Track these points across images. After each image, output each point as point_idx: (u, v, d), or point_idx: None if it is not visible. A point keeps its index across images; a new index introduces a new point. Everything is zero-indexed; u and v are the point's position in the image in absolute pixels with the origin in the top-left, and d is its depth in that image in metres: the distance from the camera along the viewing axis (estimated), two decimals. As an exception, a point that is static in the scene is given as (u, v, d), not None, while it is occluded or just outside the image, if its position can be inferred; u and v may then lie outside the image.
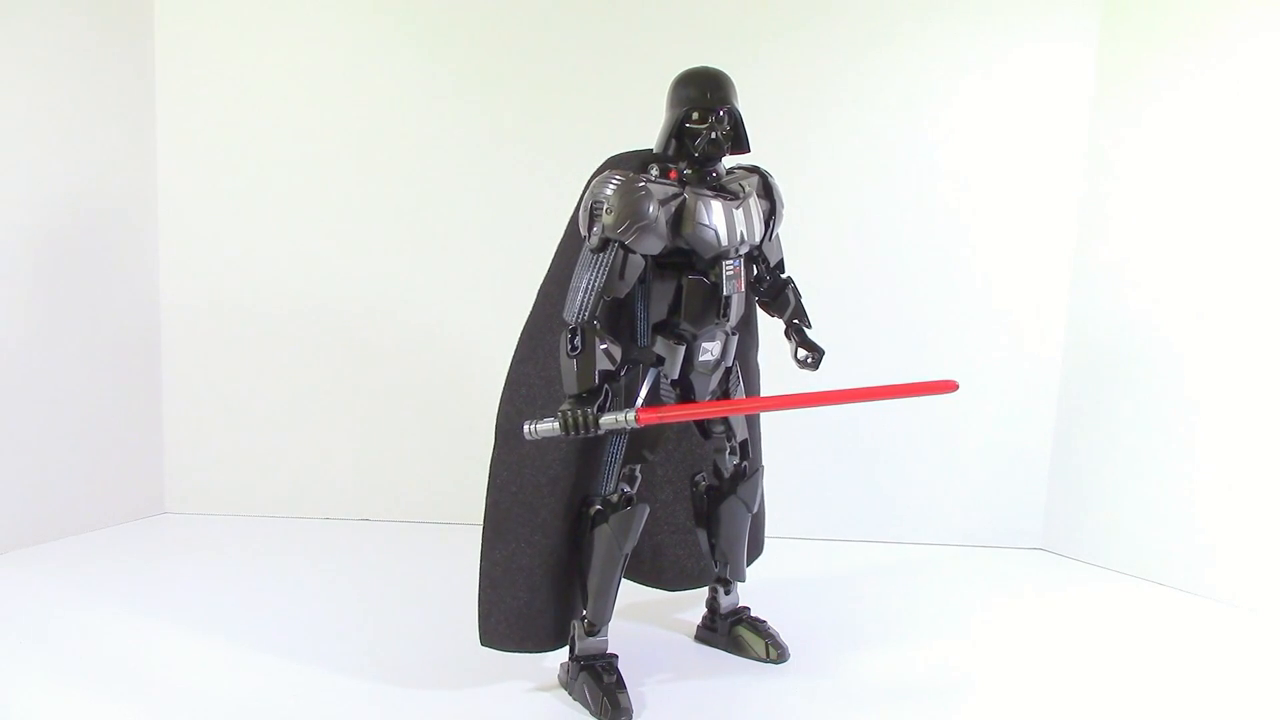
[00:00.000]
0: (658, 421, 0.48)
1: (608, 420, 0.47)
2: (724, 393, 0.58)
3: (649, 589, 0.70)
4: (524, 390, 0.56)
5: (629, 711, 0.53)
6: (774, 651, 0.61)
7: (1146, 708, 0.57)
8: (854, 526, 0.98)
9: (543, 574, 0.56)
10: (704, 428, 0.59)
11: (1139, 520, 0.89)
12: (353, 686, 0.57)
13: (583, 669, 0.55)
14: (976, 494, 0.99)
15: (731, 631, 0.64)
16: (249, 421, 1.04)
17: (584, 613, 0.56)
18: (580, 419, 0.46)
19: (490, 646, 0.56)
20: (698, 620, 0.68)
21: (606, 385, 0.49)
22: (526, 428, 0.47)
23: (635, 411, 0.46)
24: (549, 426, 0.47)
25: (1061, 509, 0.97)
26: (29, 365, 0.87)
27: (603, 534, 0.54)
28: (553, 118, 0.98)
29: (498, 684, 0.58)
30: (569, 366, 0.48)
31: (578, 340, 0.48)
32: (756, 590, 0.67)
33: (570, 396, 0.48)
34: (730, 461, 0.60)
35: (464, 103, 1.02)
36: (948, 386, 0.46)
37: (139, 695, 0.55)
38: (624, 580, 0.66)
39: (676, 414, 0.50)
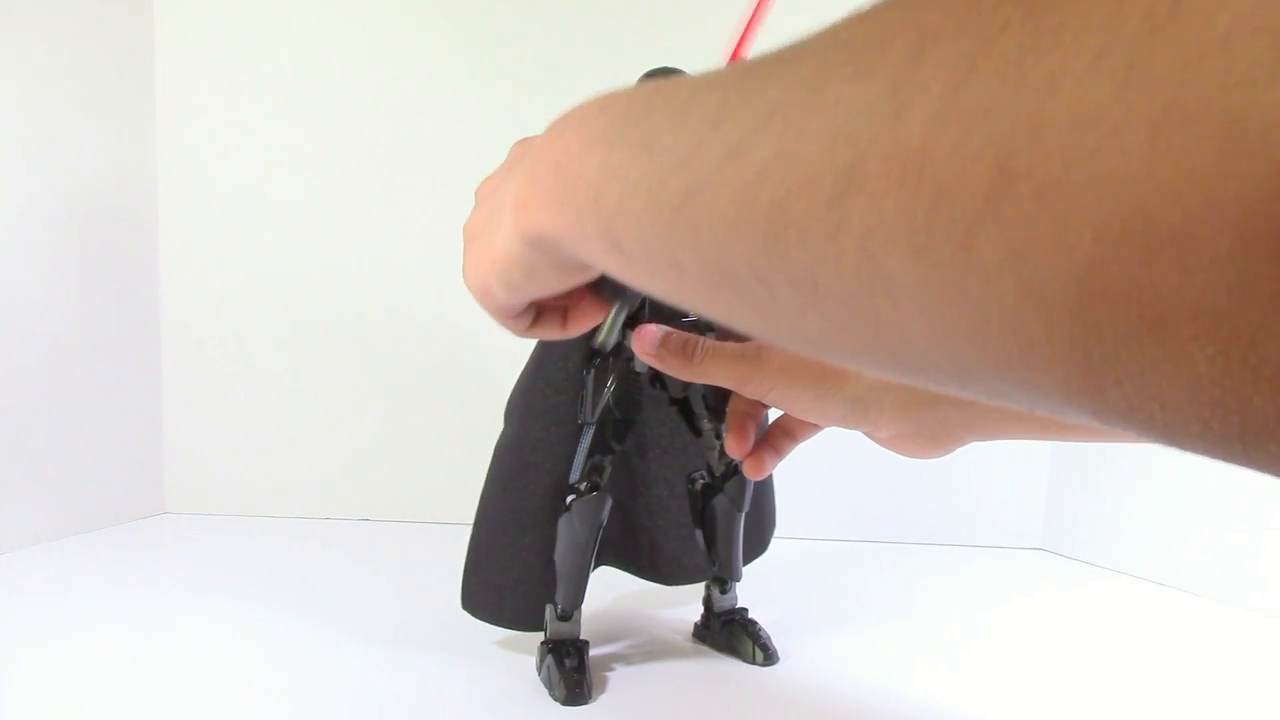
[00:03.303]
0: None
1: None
2: (702, 390, 0.59)
3: (649, 584, 0.70)
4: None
5: (581, 697, 0.54)
6: (761, 654, 0.61)
7: (1147, 708, 0.57)
8: (853, 526, 0.98)
9: (513, 554, 0.58)
10: (695, 425, 0.59)
11: (1139, 520, 0.88)
12: (352, 686, 0.57)
13: (550, 651, 0.56)
14: (976, 494, 0.98)
15: (724, 631, 0.63)
16: (249, 421, 1.04)
17: (557, 598, 0.57)
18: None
19: (468, 612, 0.59)
20: (697, 618, 0.68)
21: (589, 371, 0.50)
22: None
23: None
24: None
25: (1061, 509, 0.97)
26: (28, 365, 0.88)
27: (568, 521, 0.55)
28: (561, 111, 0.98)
29: (499, 684, 0.58)
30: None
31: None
32: (755, 590, 0.67)
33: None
34: (720, 459, 0.60)
35: (469, 97, 1.02)
36: None
37: (139, 695, 0.55)
38: (627, 575, 0.66)
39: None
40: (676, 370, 0.44)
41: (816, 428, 0.49)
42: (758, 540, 0.68)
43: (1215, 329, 0.11)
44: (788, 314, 0.18)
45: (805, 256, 0.16)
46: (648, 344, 0.44)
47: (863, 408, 0.42)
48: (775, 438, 0.51)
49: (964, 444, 0.44)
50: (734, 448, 0.50)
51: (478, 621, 0.60)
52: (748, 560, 0.67)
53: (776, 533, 0.71)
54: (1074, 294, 0.12)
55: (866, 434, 0.45)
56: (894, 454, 0.47)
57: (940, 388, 0.17)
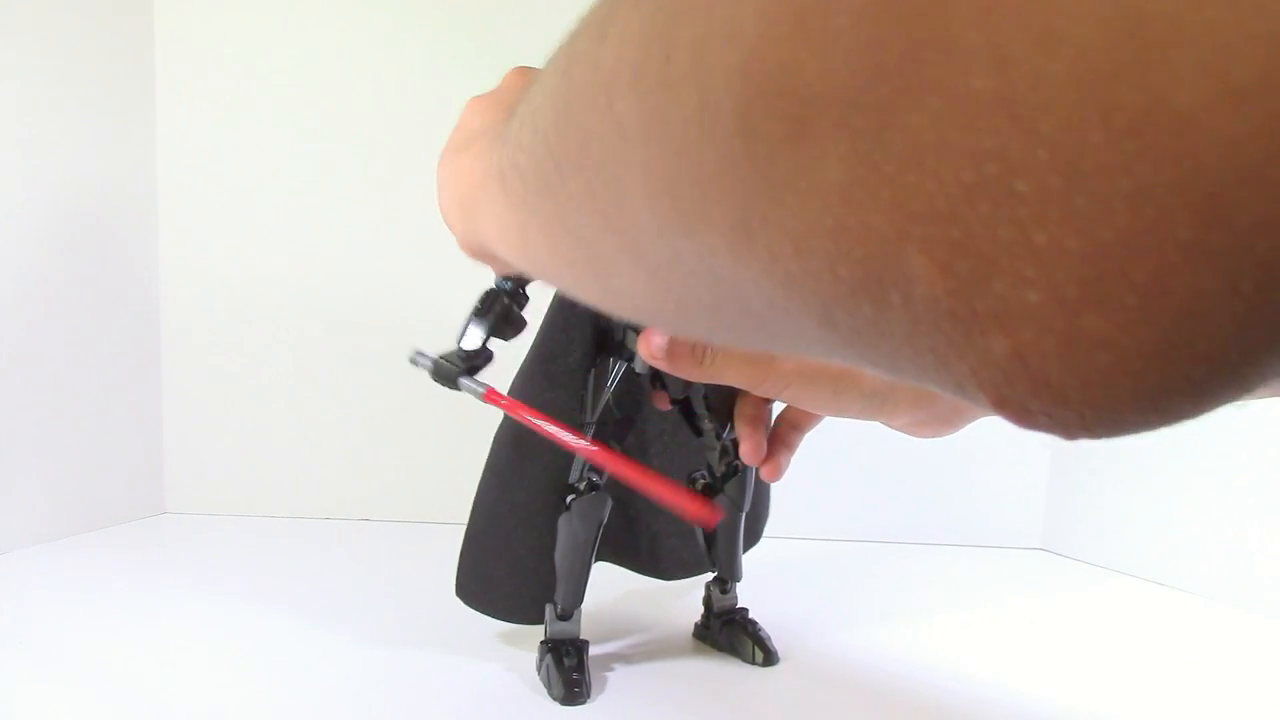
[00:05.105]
0: (506, 410, 0.46)
1: (465, 384, 0.46)
2: (703, 390, 0.58)
3: (649, 583, 0.70)
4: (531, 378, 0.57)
5: (579, 696, 0.54)
6: (760, 654, 0.61)
7: (1147, 708, 0.57)
8: (854, 526, 0.98)
9: (505, 546, 0.58)
10: (695, 425, 0.59)
11: (1139, 520, 0.88)
12: (352, 685, 0.57)
13: (549, 651, 0.56)
14: (976, 494, 0.98)
15: (724, 631, 0.63)
16: (249, 421, 1.04)
17: (557, 598, 0.57)
18: (446, 370, 0.45)
19: (460, 599, 0.59)
20: (698, 617, 0.68)
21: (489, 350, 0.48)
22: (412, 354, 0.46)
23: (486, 389, 0.45)
24: (425, 364, 0.46)
25: (1061, 509, 0.97)
26: (28, 365, 0.88)
27: (568, 520, 0.55)
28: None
29: (498, 683, 0.58)
30: (467, 320, 0.47)
31: (485, 302, 0.47)
32: (754, 589, 0.67)
33: (460, 353, 0.47)
34: (720, 460, 0.60)
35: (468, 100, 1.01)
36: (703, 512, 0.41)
37: (139, 695, 0.55)
38: (627, 574, 0.66)
39: (521, 414, 0.48)
40: (686, 372, 0.43)
41: (820, 416, 0.49)
42: (750, 533, 0.68)
43: (847, 116, 0.08)
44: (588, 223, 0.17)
45: (593, 124, 0.15)
46: (655, 346, 0.43)
47: (879, 399, 0.42)
48: (784, 434, 0.50)
49: (974, 419, 0.44)
50: (750, 455, 0.49)
51: (477, 621, 0.60)
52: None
53: (778, 533, 0.71)
54: (738, 96, 0.10)
55: (883, 423, 0.45)
56: (894, 453, 0.47)
57: (669, 270, 0.15)
